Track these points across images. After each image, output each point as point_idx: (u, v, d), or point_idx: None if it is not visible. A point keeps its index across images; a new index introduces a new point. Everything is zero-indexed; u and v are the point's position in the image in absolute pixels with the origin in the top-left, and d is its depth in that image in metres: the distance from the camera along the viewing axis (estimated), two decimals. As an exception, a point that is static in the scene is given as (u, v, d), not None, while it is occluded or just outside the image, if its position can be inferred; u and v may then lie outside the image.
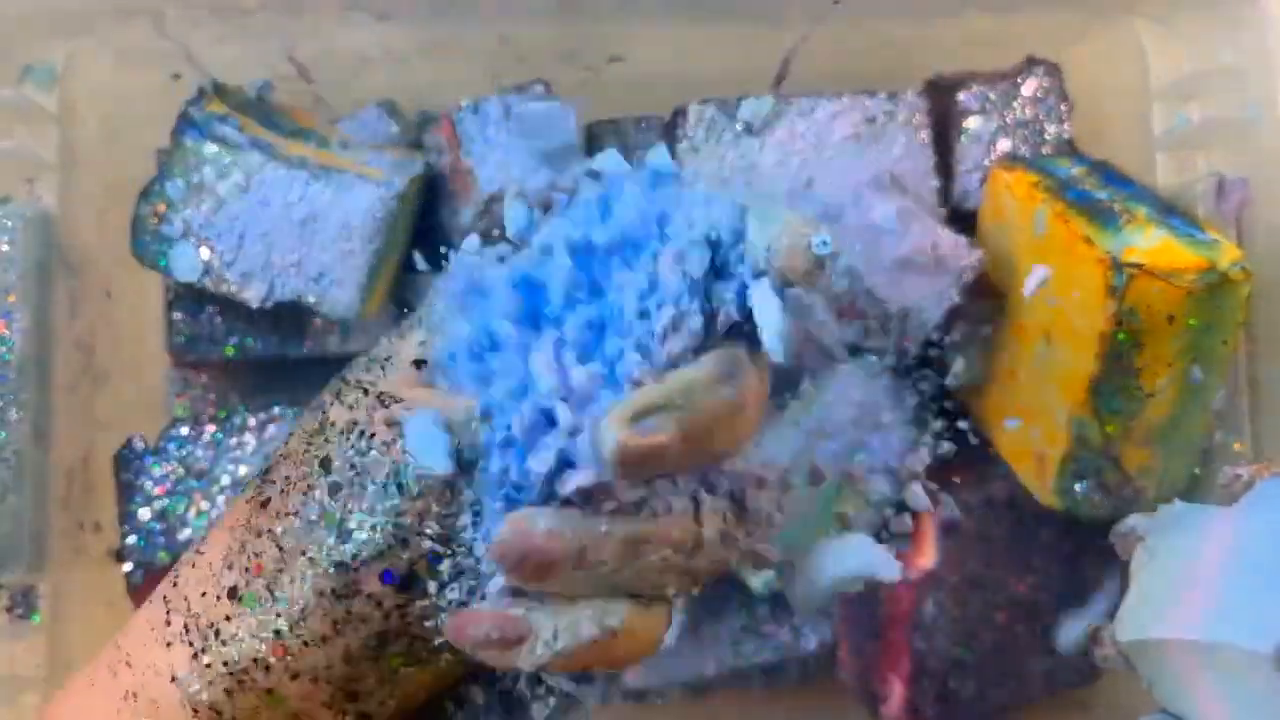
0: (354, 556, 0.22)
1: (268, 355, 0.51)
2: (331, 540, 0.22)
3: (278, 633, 0.22)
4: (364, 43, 0.50)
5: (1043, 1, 0.51)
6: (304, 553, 0.22)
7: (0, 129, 0.48)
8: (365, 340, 0.51)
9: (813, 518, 0.47)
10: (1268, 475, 0.37)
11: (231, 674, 0.22)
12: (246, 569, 0.23)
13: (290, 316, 0.50)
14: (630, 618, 0.22)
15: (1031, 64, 0.50)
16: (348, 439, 0.23)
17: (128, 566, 0.48)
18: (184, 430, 0.49)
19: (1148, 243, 0.40)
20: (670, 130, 0.49)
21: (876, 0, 0.49)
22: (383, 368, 0.25)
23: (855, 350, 0.49)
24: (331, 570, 0.22)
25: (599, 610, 0.21)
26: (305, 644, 0.22)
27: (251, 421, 0.49)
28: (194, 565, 0.24)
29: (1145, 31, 0.50)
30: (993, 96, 0.50)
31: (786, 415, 0.49)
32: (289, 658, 0.22)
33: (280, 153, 0.47)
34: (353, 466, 0.22)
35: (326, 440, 0.23)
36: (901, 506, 0.49)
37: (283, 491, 0.23)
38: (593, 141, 0.54)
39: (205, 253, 0.46)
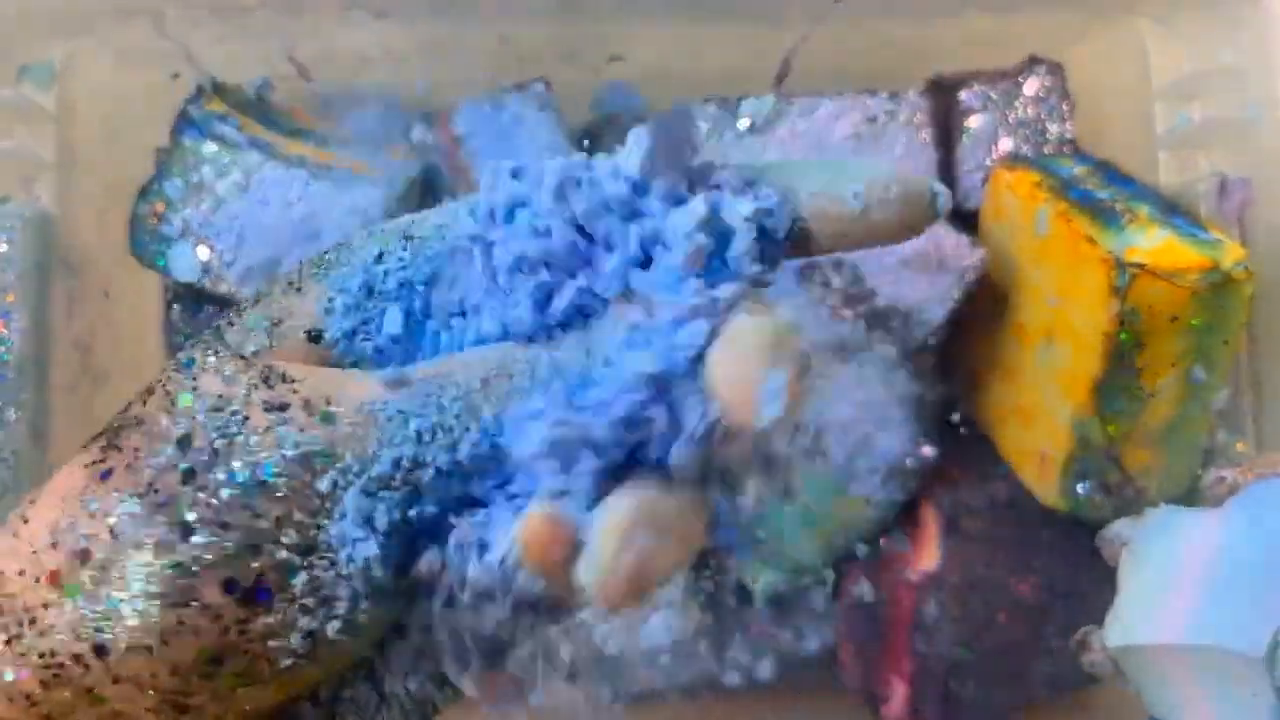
0: (194, 558, 0.19)
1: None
2: (173, 535, 0.19)
3: (99, 630, 0.19)
4: (363, 42, 0.50)
5: (1044, 1, 0.51)
6: (138, 545, 0.19)
7: (-1, 128, 0.48)
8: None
9: (813, 518, 0.47)
10: (1252, 478, 0.36)
11: (47, 666, 0.19)
12: (74, 552, 0.19)
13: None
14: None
15: (1033, 63, 0.50)
16: (216, 416, 0.20)
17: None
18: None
19: (1150, 242, 0.40)
20: (671, 130, 0.49)
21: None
22: (269, 333, 0.22)
23: (856, 350, 0.48)
24: (167, 571, 0.19)
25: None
26: (128, 649, 0.19)
27: (251, 422, 0.48)
28: (15, 534, 0.20)
29: (1147, 31, 0.50)
30: (994, 96, 0.50)
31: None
32: (111, 661, 0.19)
33: (279, 152, 0.47)
34: (214, 451, 0.19)
35: (191, 414, 0.20)
36: (904, 506, 0.49)
37: (129, 466, 0.20)
38: (593, 141, 0.54)
39: (204, 252, 0.46)
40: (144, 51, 0.50)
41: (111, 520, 0.19)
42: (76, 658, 0.19)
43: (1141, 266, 0.39)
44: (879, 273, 0.43)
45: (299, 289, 0.22)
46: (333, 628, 0.20)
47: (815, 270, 0.44)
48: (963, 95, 0.50)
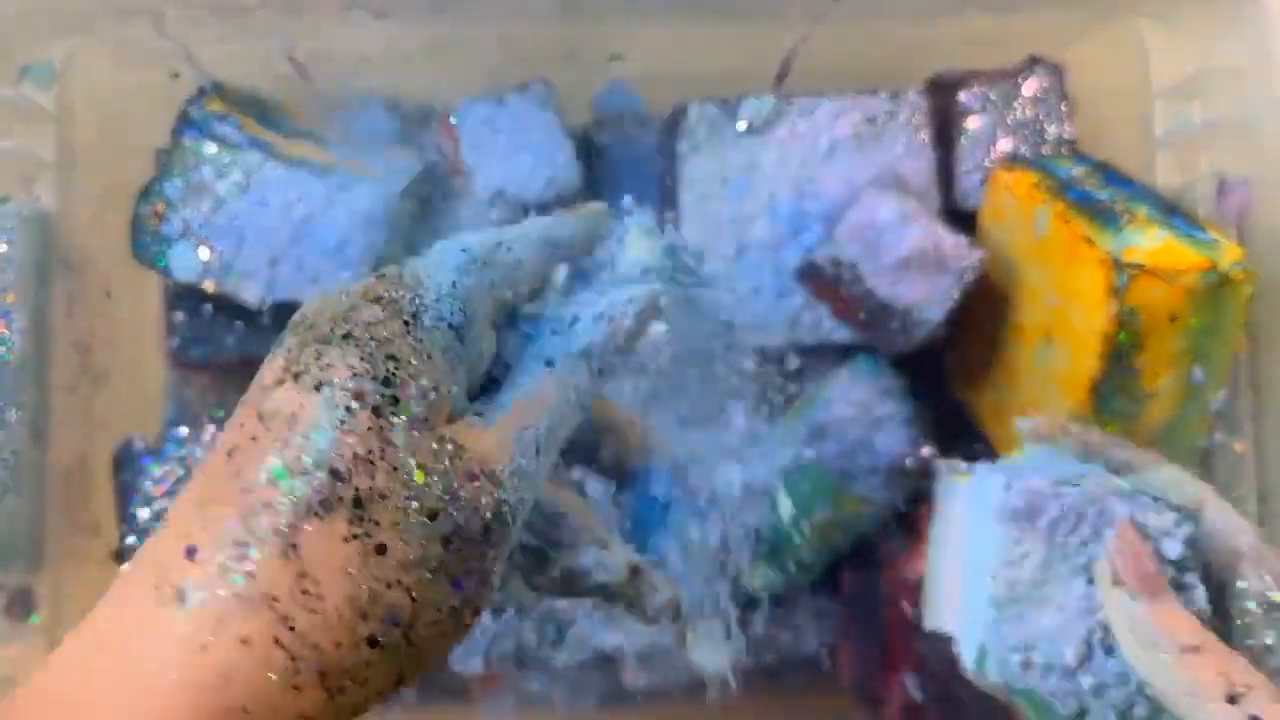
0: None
1: (267, 355, 0.51)
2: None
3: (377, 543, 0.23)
4: (363, 42, 0.50)
5: (1044, 1, 0.51)
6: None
7: (-1, 128, 0.48)
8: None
9: (812, 517, 0.47)
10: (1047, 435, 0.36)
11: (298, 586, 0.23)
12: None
13: (289, 317, 0.50)
14: None
15: (1032, 64, 0.50)
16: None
17: (126, 567, 0.48)
18: (183, 430, 0.49)
19: (1149, 243, 0.40)
20: (671, 129, 0.49)
21: (877, 0, 0.49)
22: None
23: (856, 349, 0.49)
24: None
25: None
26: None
27: (251, 422, 0.48)
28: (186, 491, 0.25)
29: (1147, 31, 0.50)
30: (993, 96, 0.50)
31: (787, 416, 0.49)
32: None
33: (280, 152, 0.47)
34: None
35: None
36: (904, 507, 0.49)
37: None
38: (592, 141, 0.54)
39: (204, 253, 0.46)
40: (144, 52, 0.50)
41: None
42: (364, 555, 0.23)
43: (1140, 267, 0.39)
44: (878, 273, 0.44)
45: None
46: None
47: (813, 270, 0.45)
48: (962, 95, 0.50)
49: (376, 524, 0.23)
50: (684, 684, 0.53)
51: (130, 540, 0.48)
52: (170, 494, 0.48)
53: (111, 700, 0.21)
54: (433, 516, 0.23)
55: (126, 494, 0.48)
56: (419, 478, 0.23)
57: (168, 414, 0.55)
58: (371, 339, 0.24)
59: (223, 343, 0.50)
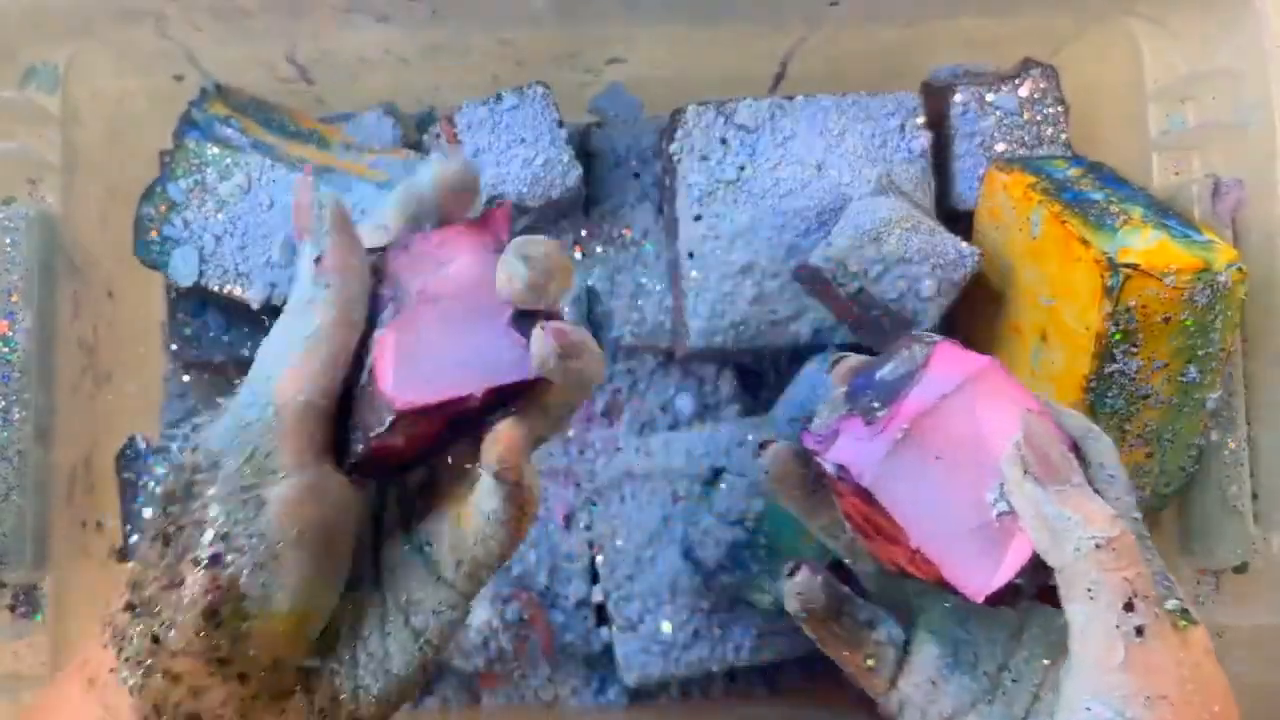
0: (176, 556, 0.30)
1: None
2: (162, 549, 0.30)
3: (151, 627, 0.30)
4: (364, 45, 0.51)
5: (1039, 3, 0.51)
6: (153, 564, 0.30)
7: (3, 130, 0.48)
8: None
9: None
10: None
11: (139, 662, 0.30)
12: (134, 586, 0.30)
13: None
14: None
15: (1028, 66, 0.50)
16: (172, 474, 0.31)
17: (130, 565, 0.48)
18: (185, 429, 0.49)
19: (1144, 243, 0.41)
20: (669, 132, 0.49)
21: (874, 2, 0.50)
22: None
23: (855, 349, 0.49)
24: (165, 568, 0.30)
25: None
26: (168, 627, 0.29)
27: (253, 421, 0.49)
28: (120, 592, 0.31)
29: (1141, 33, 0.50)
30: (989, 98, 0.50)
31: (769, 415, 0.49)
32: (164, 642, 0.29)
33: (282, 154, 0.47)
34: (167, 496, 0.31)
35: (166, 477, 0.34)
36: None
37: (148, 526, 0.33)
38: (591, 144, 0.54)
39: (207, 254, 0.47)
40: (147, 54, 0.50)
41: (143, 555, 0.31)
42: (149, 650, 0.29)
43: (1134, 267, 0.40)
44: (875, 274, 0.44)
45: None
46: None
47: (810, 271, 0.45)
48: (957, 97, 0.50)
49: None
50: (684, 684, 0.53)
51: (133, 539, 0.48)
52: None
53: None
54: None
55: (130, 493, 0.48)
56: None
57: (170, 414, 0.55)
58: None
59: (224, 343, 0.50)
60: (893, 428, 0.31)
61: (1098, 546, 0.29)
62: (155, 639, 0.29)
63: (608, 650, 0.51)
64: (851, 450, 0.32)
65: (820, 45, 0.53)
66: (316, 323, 0.30)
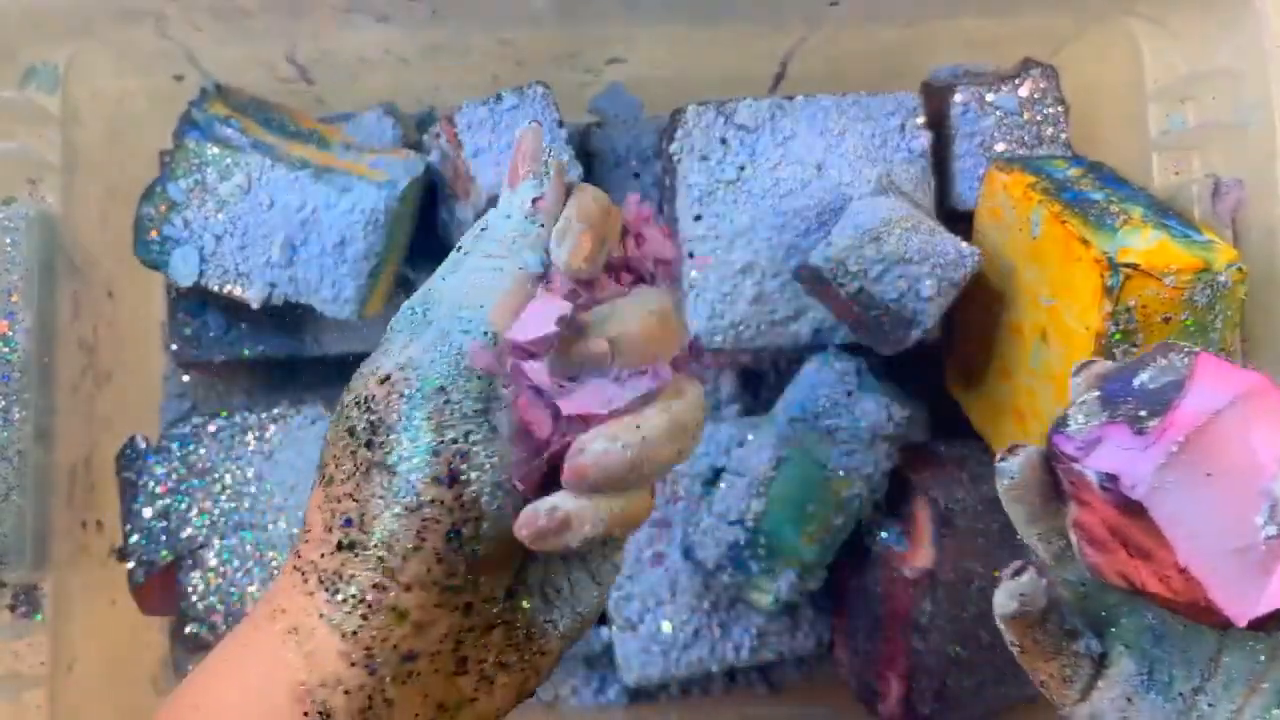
0: (409, 475, 0.29)
1: (268, 355, 0.51)
2: (386, 477, 0.29)
3: (381, 559, 0.29)
4: (364, 45, 0.51)
5: (1039, 3, 0.51)
6: (375, 495, 0.29)
7: (3, 130, 0.48)
8: (364, 340, 0.52)
9: (805, 510, 0.48)
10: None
11: (362, 600, 0.29)
12: (343, 525, 0.29)
13: (290, 317, 0.50)
14: (640, 502, 0.31)
15: (1028, 66, 0.50)
16: (361, 408, 0.30)
17: (130, 565, 0.48)
18: (186, 429, 0.49)
19: (1144, 243, 0.41)
20: (669, 132, 0.49)
21: (874, 2, 0.50)
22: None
23: (853, 348, 0.49)
24: (400, 495, 0.29)
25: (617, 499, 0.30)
26: (403, 559, 0.29)
27: (253, 421, 0.49)
28: (305, 541, 0.30)
29: (1141, 33, 0.50)
30: (989, 98, 0.50)
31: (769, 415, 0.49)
32: (398, 574, 0.29)
33: (282, 154, 0.47)
34: (371, 426, 0.29)
35: (349, 416, 0.30)
36: (896, 499, 0.49)
37: (336, 465, 0.30)
38: (591, 144, 0.54)
39: (207, 254, 0.47)
40: (147, 54, 0.50)
41: (351, 493, 0.30)
42: (376, 585, 0.29)
43: (1134, 267, 0.40)
44: (875, 273, 0.44)
45: None
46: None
47: (810, 271, 0.45)
48: (957, 97, 0.50)
49: (324, 465, 0.31)
50: (684, 683, 0.53)
51: (133, 538, 0.48)
52: (173, 492, 0.48)
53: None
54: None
55: (130, 493, 0.48)
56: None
57: (170, 413, 0.55)
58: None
59: (225, 343, 0.51)
60: (1167, 439, 0.30)
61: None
62: (389, 571, 0.28)
63: (608, 650, 0.51)
64: (1121, 459, 0.31)
65: (820, 45, 0.53)
66: (529, 257, 0.31)
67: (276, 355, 0.51)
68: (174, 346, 0.51)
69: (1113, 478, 0.31)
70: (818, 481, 0.47)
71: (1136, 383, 0.32)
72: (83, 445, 0.50)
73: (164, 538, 0.48)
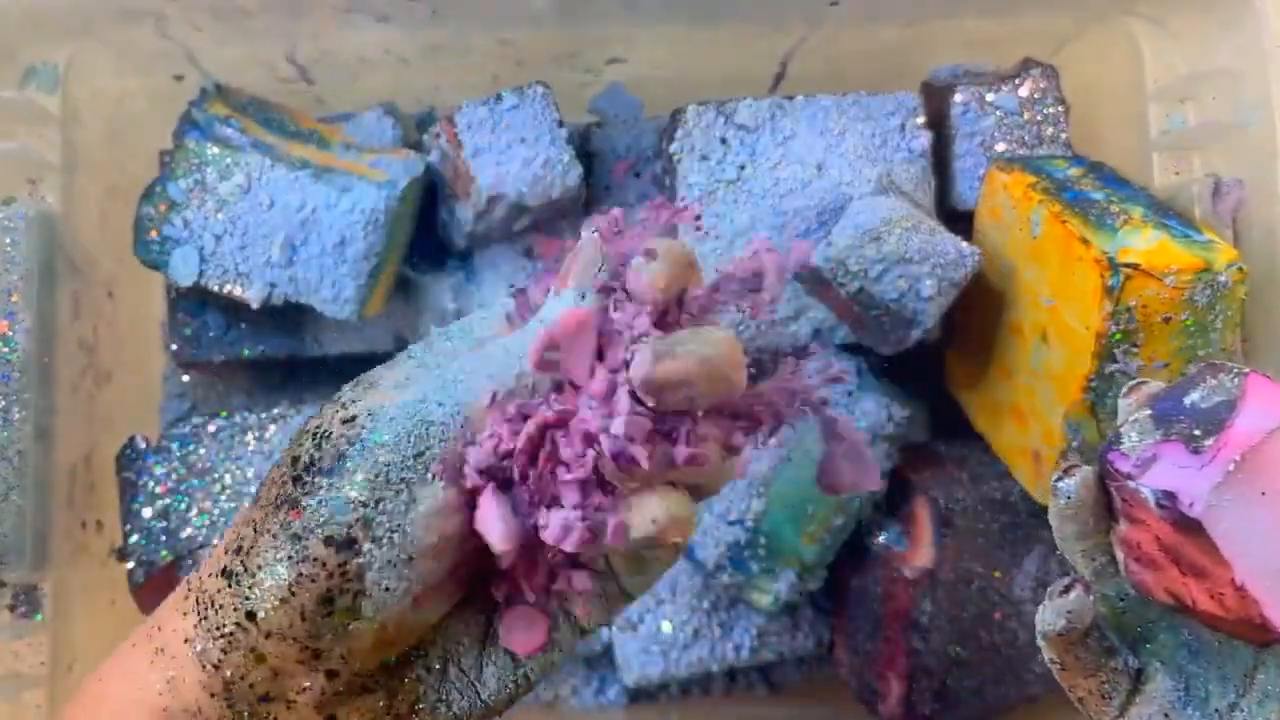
0: (307, 524, 0.28)
1: (268, 355, 0.51)
2: (289, 519, 0.28)
3: (248, 598, 0.28)
4: (365, 45, 0.51)
5: (1039, 3, 0.51)
6: (271, 531, 0.28)
7: (3, 130, 0.48)
8: (364, 340, 0.52)
9: (806, 511, 0.47)
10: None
11: (223, 635, 0.28)
12: (236, 551, 0.29)
13: (291, 317, 0.50)
14: (686, 506, 0.29)
15: (1028, 66, 0.50)
16: (314, 440, 0.29)
17: (130, 565, 0.48)
18: (186, 429, 0.49)
19: (1144, 243, 0.41)
20: (669, 132, 0.49)
21: (874, 2, 0.50)
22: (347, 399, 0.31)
23: (853, 348, 0.49)
24: (289, 541, 0.28)
25: (666, 501, 0.28)
26: (270, 606, 0.28)
27: (253, 421, 0.49)
28: (211, 553, 0.30)
29: (1141, 33, 0.50)
30: (989, 98, 0.50)
31: None
32: (261, 620, 0.28)
33: (281, 154, 0.47)
34: (310, 462, 0.28)
35: (299, 443, 0.29)
36: (897, 500, 0.49)
37: (268, 489, 0.29)
38: (591, 144, 0.54)
39: (207, 253, 0.47)
40: (147, 55, 0.50)
41: (255, 522, 0.29)
42: (239, 624, 0.28)
43: (1135, 267, 0.40)
44: (875, 273, 0.44)
45: None
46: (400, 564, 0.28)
47: (811, 271, 0.45)
48: (958, 97, 0.50)
49: (263, 483, 0.30)
50: (684, 683, 0.53)
51: (133, 538, 0.48)
52: (173, 492, 0.48)
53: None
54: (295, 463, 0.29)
55: (129, 493, 0.48)
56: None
57: (170, 413, 0.55)
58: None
59: (224, 343, 0.51)
60: (1224, 457, 0.30)
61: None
62: (250, 614, 0.28)
63: (608, 650, 0.51)
64: (1178, 477, 0.31)
65: (820, 45, 0.53)
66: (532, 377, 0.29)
67: (276, 355, 0.51)
68: (174, 346, 0.51)
69: (1170, 495, 0.31)
70: (815, 482, 0.47)
71: (1188, 402, 0.32)
72: (82, 445, 0.50)
73: (164, 538, 0.48)
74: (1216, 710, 0.33)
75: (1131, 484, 0.32)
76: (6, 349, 0.46)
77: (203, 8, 0.47)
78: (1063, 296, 0.43)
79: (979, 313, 0.48)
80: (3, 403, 0.46)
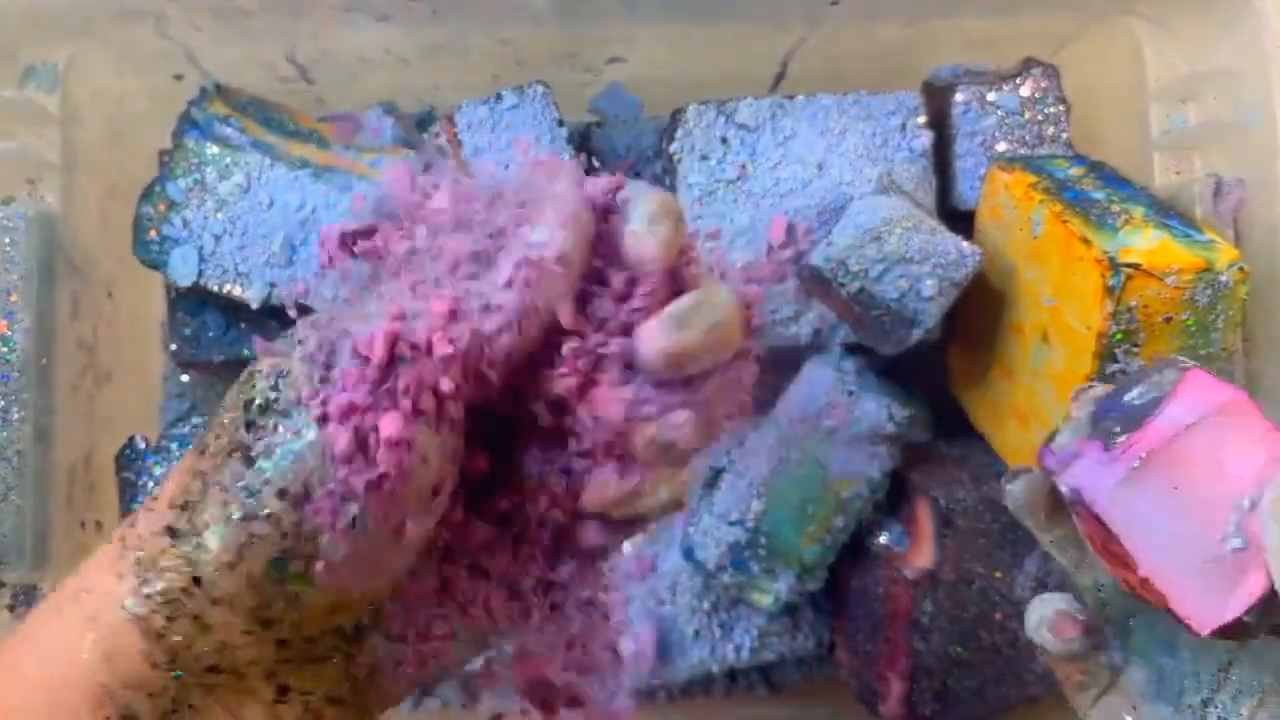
0: (261, 476, 0.25)
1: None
2: (241, 468, 0.25)
3: (193, 561, 0.25)
4: (364, 44, 0.51)
5: (1040, 3, 0.51)
6: (221, 484, 0.25)
7: (3, 130, 0.48)
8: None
9: (807, 512, 0.47)
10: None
11: (167, 601, 0.25)
12: (181, 507, 0.26)
13: (290, 316, 0.50)
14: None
15: (1029, 65, 0.50)
16: (268, 380, 0.26)
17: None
18: (185, 430, 0.49)
19: (1145, 243, 0.41)
20: (669, 131, 0.49)
21: (874, 2, 0.50)
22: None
23: (854, 348, 0.49)
24: (240, 495, 0.25)
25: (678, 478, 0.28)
26: (215, 570, 0.25)
27: (252, 421, 0.49)
28: (148, 508, 0.27)
29: (1142, 33, 0.50)
30: (990, 98, 0.50)
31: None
32: (207, 585, 0.25)
33: (281, 153, 0.47)
34: (265, 404, 0.26)
35: (252, 385, 0.26)
36: (898, 501, 0.49)
37: (216, 436, 0.26)
38: (591, 143, 0.54)
39: (206, 253, 0.47)
40: (146, 54, 0.50)
41: (204, 475, 0.26)
42: (184, 590, 0.25)
43: (1136, 267, 0.40)
44: (875, 273, 0.44)
45: None
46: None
47: (811, 271, 0.45)
48: (958, 97, 0.50)
49: (209, 429, 0.27)
50: (684, 684, 0.53)
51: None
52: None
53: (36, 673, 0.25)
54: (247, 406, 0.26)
55: (129, 493, 0.48)
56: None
57: (170, 414, 0.55)
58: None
59: (224, 343, 0.50)
60: (1130, 455, 0.31)
61: None
62: (196, 580, 0.25)
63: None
64: (1088, 474, 0.32)
65: (821, 45, 0.53)
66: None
67: (276, 355, 0.51)
68: (173, 346, 0.51)
69: (1078, 491, 0.32)
70: (818, 482, 0.47)
71: (1126, 399, 0.32)
72: (82, 445, 0.50)
73: (163, 538, 0.48)
74: (1190, 706, 0.33)
75: (1055, 480, 0.33)
76: (6, 349, 0.46)
77: (203, 8, 0.47)
78: (1064, 296, 0.43)
79: (980, 313, 0.48)
80: (2, 403, 0.46)
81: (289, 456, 0.25)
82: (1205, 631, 0.30)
